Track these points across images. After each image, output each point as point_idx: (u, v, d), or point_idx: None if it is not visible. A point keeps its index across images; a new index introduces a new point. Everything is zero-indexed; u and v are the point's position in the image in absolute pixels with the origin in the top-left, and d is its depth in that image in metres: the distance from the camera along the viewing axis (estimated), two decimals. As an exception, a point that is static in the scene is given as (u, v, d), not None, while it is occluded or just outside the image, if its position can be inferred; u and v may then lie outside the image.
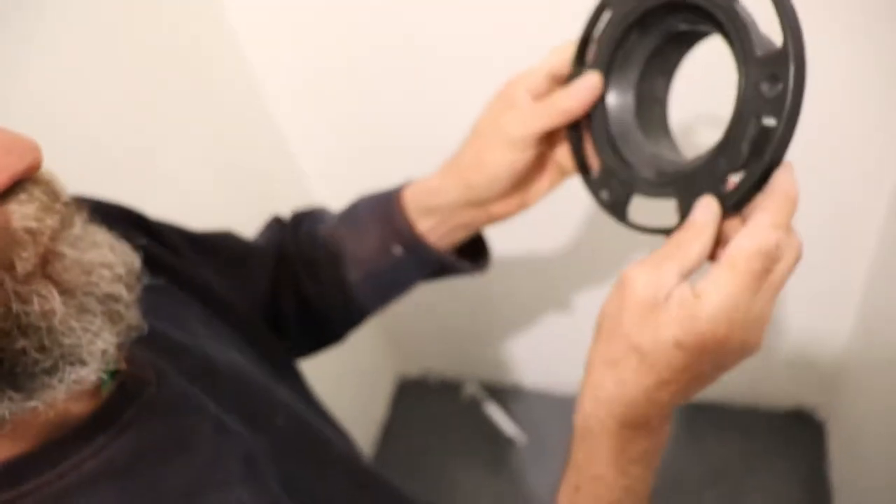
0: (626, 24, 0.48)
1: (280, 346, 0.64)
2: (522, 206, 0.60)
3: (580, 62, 0.52)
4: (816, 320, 1.16)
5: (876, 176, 0.92)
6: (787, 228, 0.41)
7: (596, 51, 0.51)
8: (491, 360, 1.48)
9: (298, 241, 0.65)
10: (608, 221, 0.52)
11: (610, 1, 0.50)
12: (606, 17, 0.50)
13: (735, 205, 0.42)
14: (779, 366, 1.26)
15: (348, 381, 1.38)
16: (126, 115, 0.80)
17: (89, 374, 0.34)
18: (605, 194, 0.51)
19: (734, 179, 0.43)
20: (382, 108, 1.02)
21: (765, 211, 0.40)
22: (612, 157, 0.51)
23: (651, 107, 0.52)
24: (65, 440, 0.37)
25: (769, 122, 0.39)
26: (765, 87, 0.39)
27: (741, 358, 0.43)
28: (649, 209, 0.51)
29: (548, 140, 0.57)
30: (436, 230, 0.61)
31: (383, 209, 0.61)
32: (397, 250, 0.61)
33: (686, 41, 0.50)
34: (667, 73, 0.52)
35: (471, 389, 1.53)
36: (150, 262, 0.45)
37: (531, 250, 1.18)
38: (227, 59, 0.98)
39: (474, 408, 1.50)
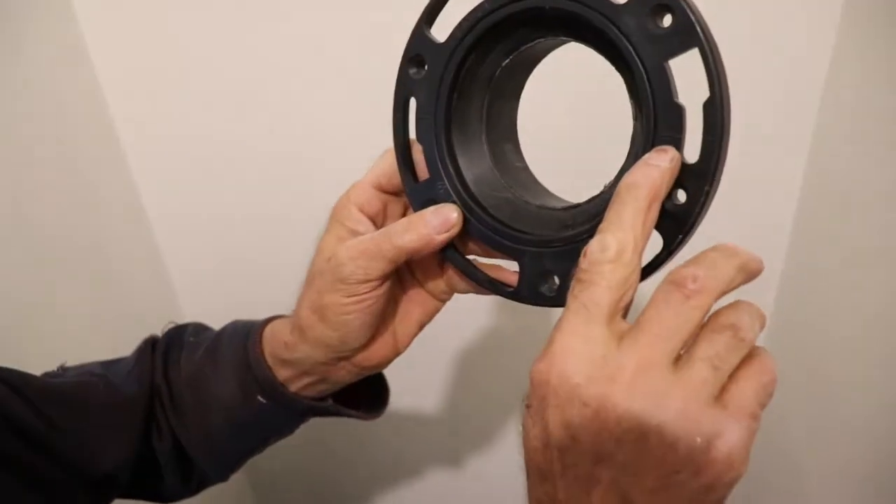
0: (448, 91, 0.41)
1: None
2: (396, 351, 0.51)
3: (407, 167, 0.45)
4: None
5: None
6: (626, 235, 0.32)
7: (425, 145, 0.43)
8: None
9: (168, 375, 0.56)
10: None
11: (411, 89, 0.43)
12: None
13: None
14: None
15: None
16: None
17: None
18: (546, 288, 0.39)
19: None
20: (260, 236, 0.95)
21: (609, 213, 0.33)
22: (523, 235, 0.41)
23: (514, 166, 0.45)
24: None
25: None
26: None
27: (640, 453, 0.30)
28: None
29: (406, 266, 0.49)
30: (299, 381, 0.52)
31: (243, 353, 0.53)
32: (261, 399, 0.52)
33: (521, 67, 0.43)
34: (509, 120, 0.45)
35: None
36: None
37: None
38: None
39: None
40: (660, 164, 0.33)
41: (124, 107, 0.86)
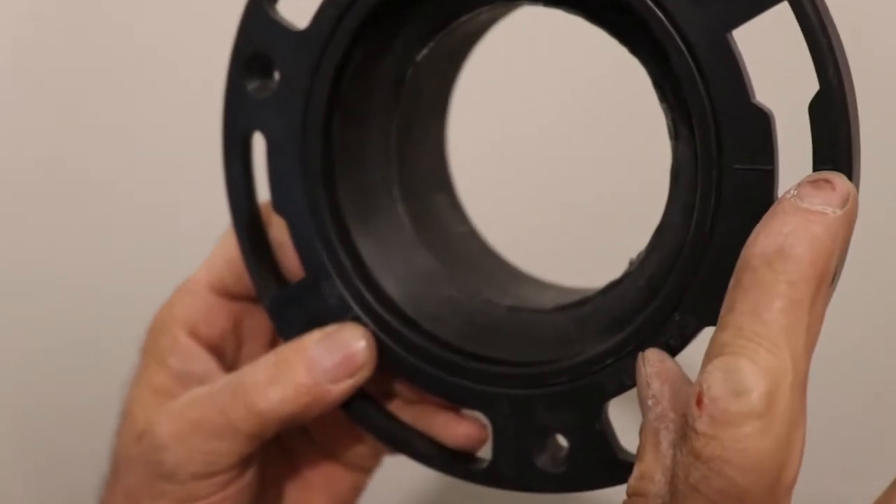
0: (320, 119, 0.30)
1: None
2: None
3: (259, 259, 0.32)
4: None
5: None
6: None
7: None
8: None
9: None
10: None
11: (254, 116, 0.31)
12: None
13: None
14: None
15: None
16: None
17: None
18: (547, 459, 0.29)
19: None
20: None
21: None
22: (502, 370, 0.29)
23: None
24: None
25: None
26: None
27: None
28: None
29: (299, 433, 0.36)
30: None
31: None
32: None
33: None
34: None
35: None
36: None
37: None
38: None
39: None
40: (826, 208, 0.22)
41: None
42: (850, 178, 0.22)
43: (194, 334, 0.33)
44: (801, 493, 0.24)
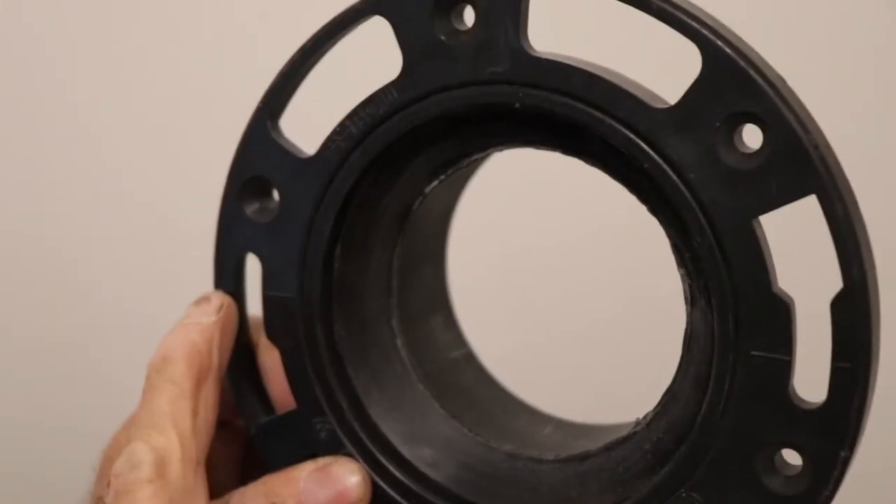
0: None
1: None
2: None
3: (249, 386, 0.30)
4: None
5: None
6: None
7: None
8: None
9: None
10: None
11: (250, 240, 0.29)
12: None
13: None
14: None
15: None
16: None
17: None
18: None
19: None
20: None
21: None
22: None
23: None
24: None
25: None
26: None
27: None
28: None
29: None
30: None
31: None
32: None
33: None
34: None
35: None
36: None
37: None
38: None
39: None
40: (200, 318, 0.28)
41: None
42: (867, 376, 0.21)
43: None
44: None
